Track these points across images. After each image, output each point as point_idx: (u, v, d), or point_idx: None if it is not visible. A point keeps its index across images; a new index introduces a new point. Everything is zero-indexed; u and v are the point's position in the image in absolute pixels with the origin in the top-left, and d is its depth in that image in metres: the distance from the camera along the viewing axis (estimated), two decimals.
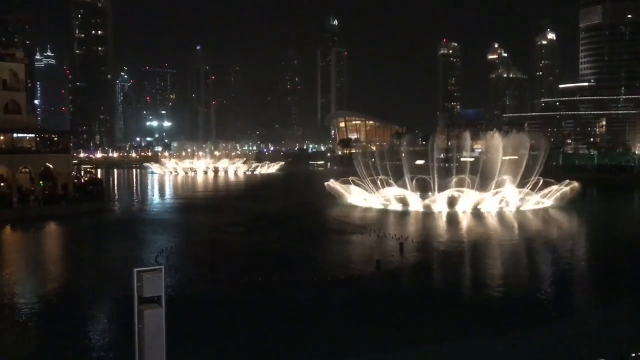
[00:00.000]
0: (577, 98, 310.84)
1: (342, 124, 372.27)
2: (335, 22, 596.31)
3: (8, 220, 77.57)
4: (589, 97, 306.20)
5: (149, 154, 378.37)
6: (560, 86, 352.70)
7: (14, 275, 49.42)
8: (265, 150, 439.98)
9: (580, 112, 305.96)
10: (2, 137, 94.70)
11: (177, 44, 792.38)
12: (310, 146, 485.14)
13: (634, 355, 18.93)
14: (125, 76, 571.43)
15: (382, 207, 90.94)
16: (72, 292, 43.53)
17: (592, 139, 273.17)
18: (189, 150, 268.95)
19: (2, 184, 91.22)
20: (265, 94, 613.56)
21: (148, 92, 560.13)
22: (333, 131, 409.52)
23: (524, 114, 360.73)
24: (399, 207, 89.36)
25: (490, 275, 48.80)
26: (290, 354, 30.08)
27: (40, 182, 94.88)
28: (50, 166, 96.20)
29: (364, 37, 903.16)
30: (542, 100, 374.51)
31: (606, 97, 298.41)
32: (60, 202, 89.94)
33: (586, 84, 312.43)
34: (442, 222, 78.50)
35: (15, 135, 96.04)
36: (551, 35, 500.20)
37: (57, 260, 58.87)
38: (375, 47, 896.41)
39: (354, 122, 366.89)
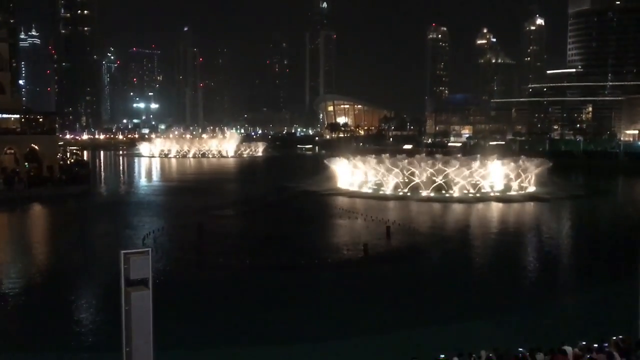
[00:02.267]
0: (565, 84, 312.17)
1: (330, 108, 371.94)
2: (325, 4, 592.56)
3: None
4: (576, 84, 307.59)
5: (136, 136, 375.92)
6: (548, 72, 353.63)
7: (0, 256, 49.13)
8: (253, 133, 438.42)
9: (567, 98, 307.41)
10: None
11: (164, 25, 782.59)
12: (299, 130, 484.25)
13: (614, 338, 19.24)
14: (112, 57, 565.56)
15: (370, 191, 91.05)
16: (58, 274, 43.40)
17: (578, 125, 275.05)
18: (176, 132, 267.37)
19: None
20: (253, 77, 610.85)
21: (135, 73, 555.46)
22: (321, 115, 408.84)
23: (511, 100, 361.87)
24: (387, 191, 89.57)
25: (473, 259, 49.36)
26: (276, 337, 30.30)
27: (26, 163, 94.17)
28: (36, 147, 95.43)
29: (353, 20, 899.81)
30: (529, 85, 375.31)
31: (593, 84, 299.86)
32: (45, 184, 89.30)
33: (573, 70, 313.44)
34: (429, 207, 78.96)
35: None
36: (540, 21, 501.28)
37: (43, 242, 58.62)
38: (364, 30, 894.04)
39: (342, 106, 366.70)
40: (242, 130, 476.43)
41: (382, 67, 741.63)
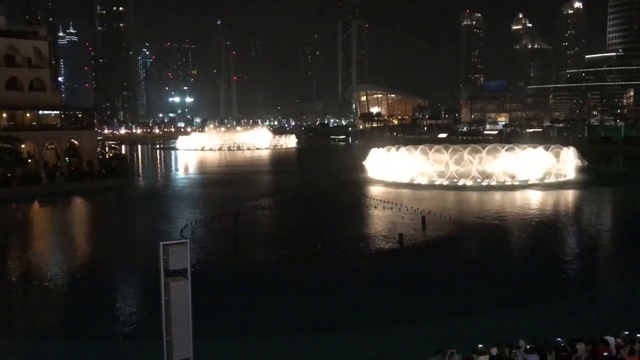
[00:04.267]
0: (604, 69, 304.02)
1: (363, 98, 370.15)
2: None
3: (36, 195, 79.20)
4: (617, 68, 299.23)
5: (172, 130, 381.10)
6: (587, 57, 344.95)
7: (45, 248, 50.62)
8: (287, 125, 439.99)
9: (607, 83, 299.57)
10: (28, 115, 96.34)
11: (197, 19, 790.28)
12: (332, 120, 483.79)
13: None
14: (147, 52, 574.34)
15: (406, 181, 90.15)
16: (100, 265, 44.46)
17: (619, 110, 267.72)
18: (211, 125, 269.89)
19: (29, 161, 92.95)
20: (286, 69, 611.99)
21: (170, 68, 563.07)
22: (354, 105, 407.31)
23: (548, 86, 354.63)
24: (424, 181, 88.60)
25: (510, 249, 48.68)
26: (311, 326, 30.45)
27: (66, 158, 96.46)
28: (76, 143, 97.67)
29: (386, 9, 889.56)
30: (567, 71, 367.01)
31: (634, 67, 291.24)
32: (85, 178, 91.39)
33: (614, 54, 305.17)
34: (465, 196, 78.05)
35: (40, 112, 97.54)
36: (578, 4, 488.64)
37: (86, 234, 60.08)
38: (397, 18, 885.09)
39: (375, 96, 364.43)
40: (276, 122, 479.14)
41: (415, 56, 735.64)
